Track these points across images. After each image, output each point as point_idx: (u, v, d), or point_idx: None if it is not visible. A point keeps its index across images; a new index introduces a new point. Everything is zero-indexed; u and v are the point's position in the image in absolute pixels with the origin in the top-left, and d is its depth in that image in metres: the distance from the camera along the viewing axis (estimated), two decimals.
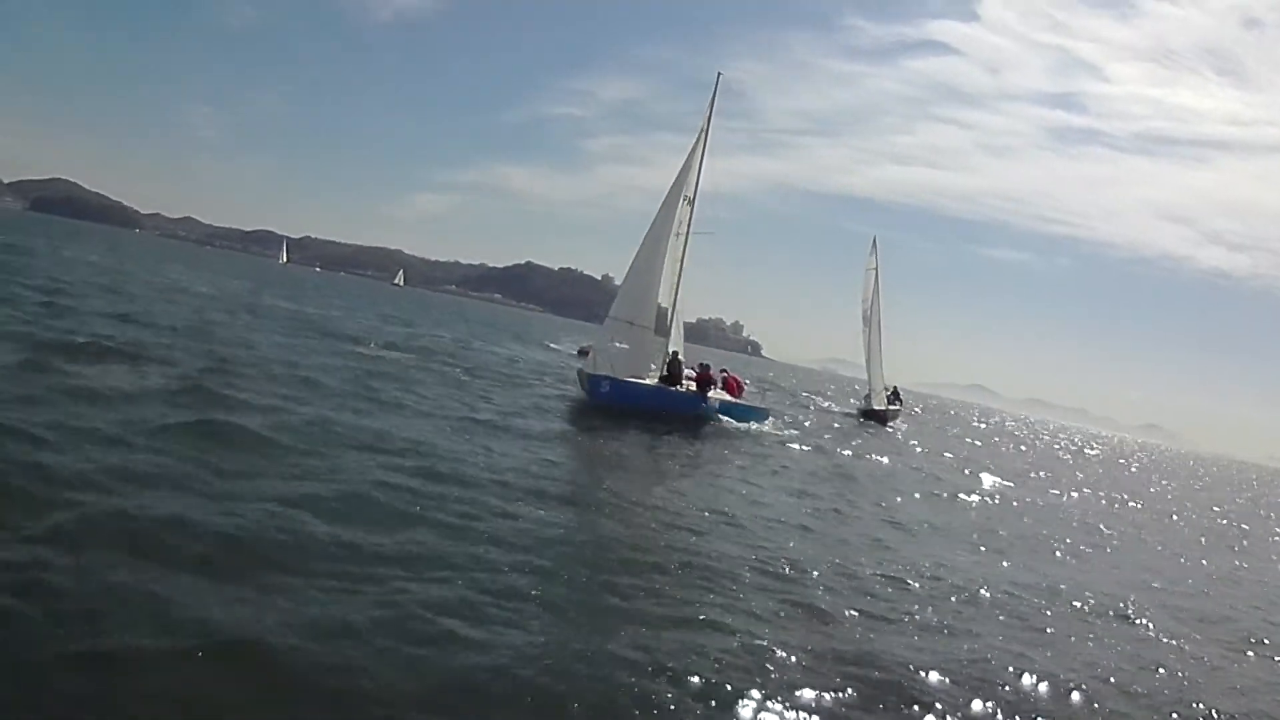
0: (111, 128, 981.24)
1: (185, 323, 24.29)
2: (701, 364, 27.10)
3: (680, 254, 26.40)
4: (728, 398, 26.46)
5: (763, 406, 28.32)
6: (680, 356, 25.87)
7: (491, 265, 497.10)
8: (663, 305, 25.93)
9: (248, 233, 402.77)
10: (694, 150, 26.58)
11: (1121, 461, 73.19)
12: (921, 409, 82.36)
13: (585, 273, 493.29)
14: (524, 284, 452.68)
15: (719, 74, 27.53)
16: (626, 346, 24.84)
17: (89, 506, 7.74)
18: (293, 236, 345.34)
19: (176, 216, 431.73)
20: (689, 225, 26.73)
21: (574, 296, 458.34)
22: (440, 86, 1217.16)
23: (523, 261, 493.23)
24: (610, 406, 23.16)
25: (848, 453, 26.50)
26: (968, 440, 51.40)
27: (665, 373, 25.13)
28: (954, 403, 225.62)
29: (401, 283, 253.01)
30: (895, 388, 48.84)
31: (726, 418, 25.24)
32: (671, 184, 26.32)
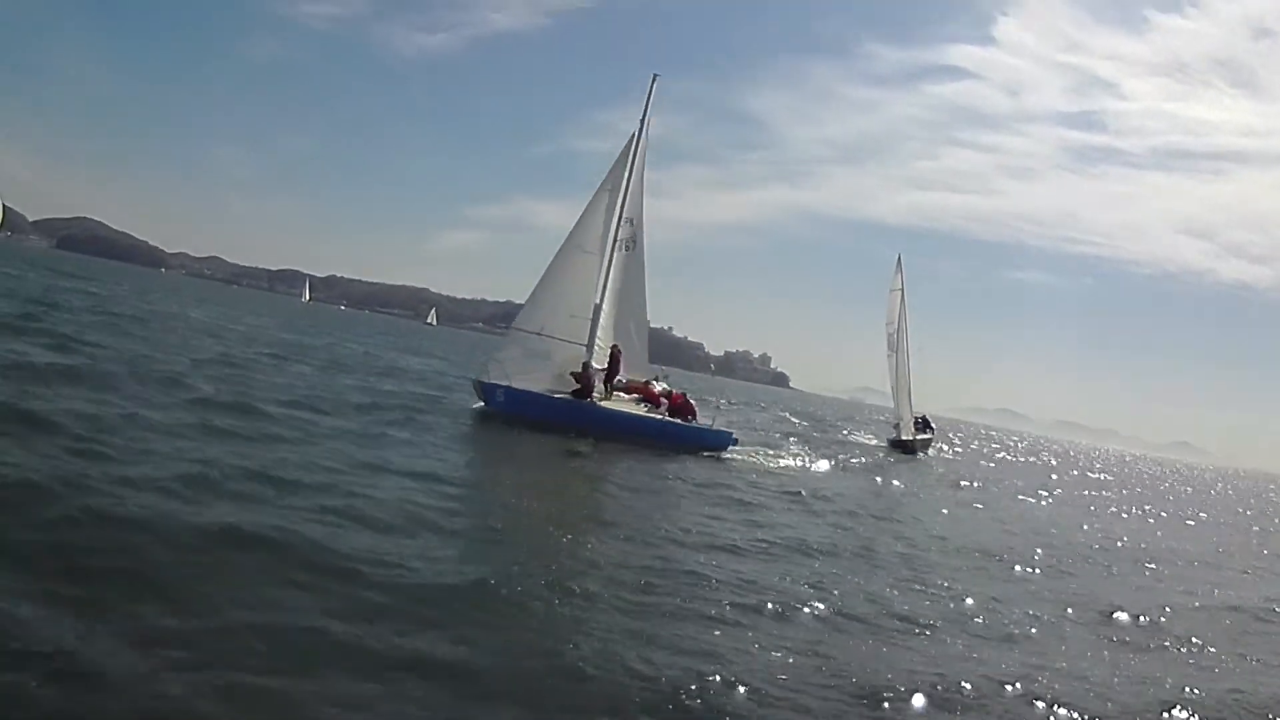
0: (137, 167, 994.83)
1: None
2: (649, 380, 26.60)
3: (605, 268, 25.80)
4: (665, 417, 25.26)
5: (724, 430, 26.21)
6: (592, 366, 24.79)
7: (518, 302, 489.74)
8: (579, 318, 25.15)
9: (274, 271, 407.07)
10: (623, 161, 26.03)
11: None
12: (958, 438, 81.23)
13: None
14: None
15: (654, 76, 26.76)
16: (523, 356, 24.64)
17: None
18: (318, 275, 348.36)
19: (202, 255, 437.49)
20: (615, 237, 26.06)
21: None
22: (466, 123, 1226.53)
23: None
24: (506, 416, 23.01)
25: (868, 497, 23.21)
26: (1015, 473, 48.07)
27: (577, 384, 24.19)
28: (984, 428, 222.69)
29: (434, 321, 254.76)
30: (925, 416, 47.24)
31: (661, 440, 23.95)
32: (593, 195, 25.87)
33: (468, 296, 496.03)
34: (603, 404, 24.50)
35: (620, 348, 26.01)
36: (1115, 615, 12.37)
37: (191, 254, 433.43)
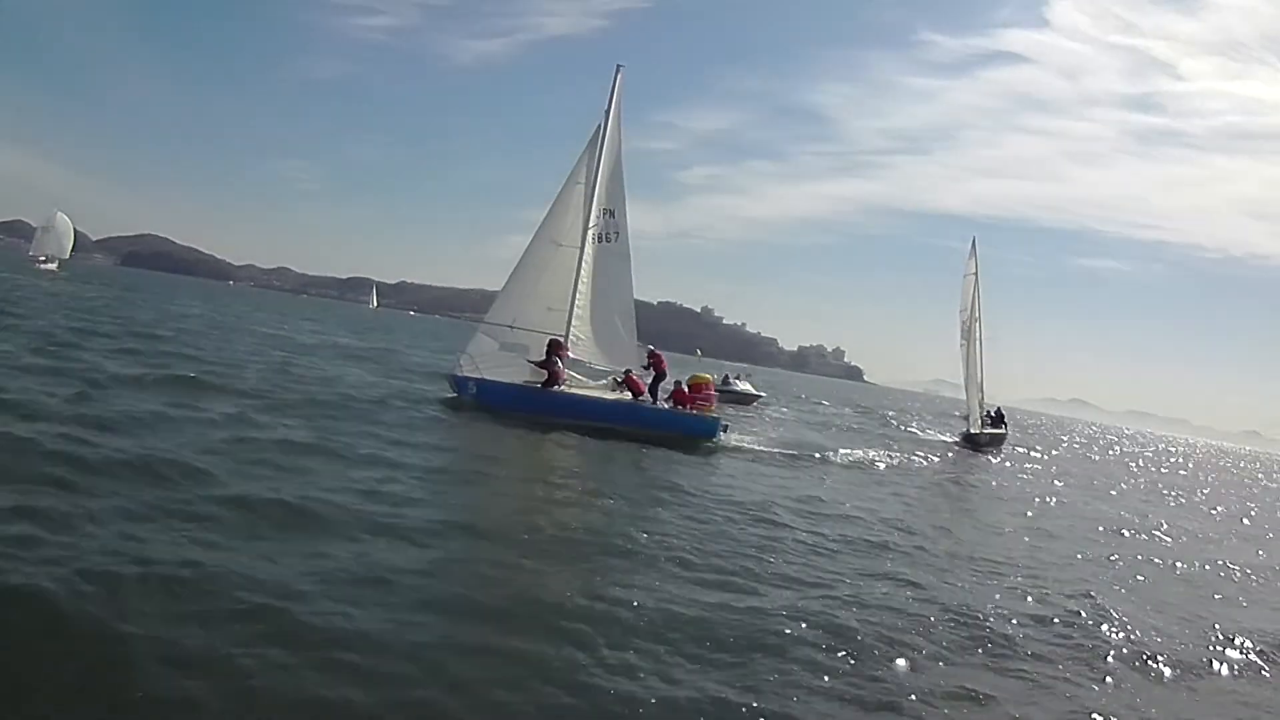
0: (201, 182, 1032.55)
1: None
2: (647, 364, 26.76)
3: (578, 260, 25.79)
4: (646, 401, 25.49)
5: (711, 416, 25.51)
6: (559, 357, 24.58)
7: None
8: (556, 310, 25.47)
9: (343, 280, 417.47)
10: (590, 150, 26.18)
11: None
12: (1036, 436, 77.69)
13: (685, 305, 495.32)
14: None
15: (619, 66, 26.83)
16: (500, 348, 25.06)
17: None
18: (388, 282, 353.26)
19: (270, 267, 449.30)
20: (588, 229, 26.06)
21: (674, 330, 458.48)
22: (526, 126, 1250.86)
23: None
24: (480, 407, 23.51)
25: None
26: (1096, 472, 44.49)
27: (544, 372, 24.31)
28: (1056, 419, 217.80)
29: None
30: (999, 409, 44.67)
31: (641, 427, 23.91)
32: (561, 188, 26.21)
33: None
34: (572, 391, 24.74)
35: (657, 352, 26.90)
36: None
37: (260, 265, 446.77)
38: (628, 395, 25.23)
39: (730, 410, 37.46)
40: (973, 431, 41.25)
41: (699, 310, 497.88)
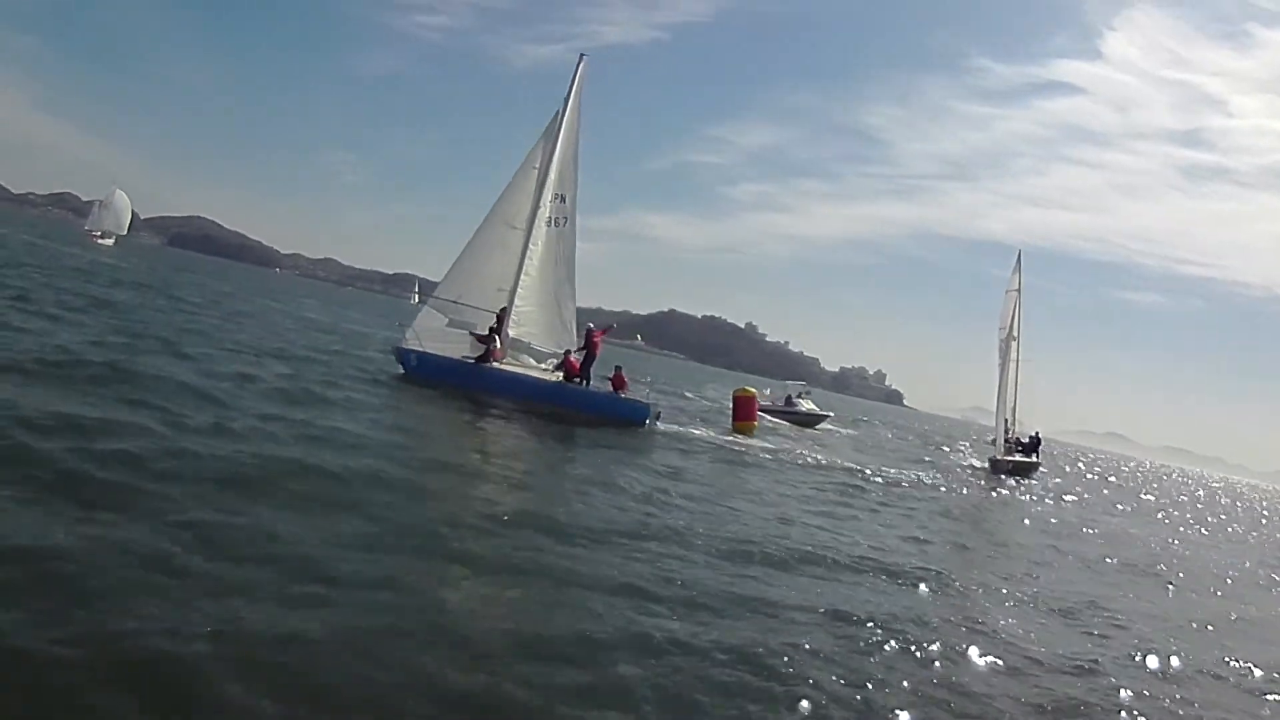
0: (251, 170, 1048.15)
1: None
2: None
3: (524, 244, 26.60)
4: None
5: (640, 401, 26.64)
6: (497, 333, 25.47)
7: (635, 312, 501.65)
8: (505, 290, 26.25)
9: (389, 275, 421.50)
10: (547, 138, 27.02)
11: None
12: (1073, 468, 76.54)
13: (728, 320, 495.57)
14: (667, 331, 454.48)
15: (581, 55, 27.73)
16: (448, 324, 25.82)
17: None
18: (434, 280, 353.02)
19: (317, 257, 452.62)
20: (548, 215, 27.09)
21: (717, 344, 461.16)
22: (581, 134, 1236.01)
23: (665, 309, 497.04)
24: (420, 380, 24.31)
25: None
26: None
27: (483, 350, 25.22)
28: (1092, 452, 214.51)
29: (642, 341, 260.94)
30: (1036, 435, 43.22)
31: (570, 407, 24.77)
32: (516, 172, 26.99)
33: (585, 306, 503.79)
34: (506, 368, 25.45)
35: (594, 330, 27.69)
36: None
37: (306, 255, 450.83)
38: (560, 376, 26.08)
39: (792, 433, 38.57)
40: (998, 457, 40.30)
41: (743, 326, 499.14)
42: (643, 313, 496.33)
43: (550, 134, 27.04)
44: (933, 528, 18.96)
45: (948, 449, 56.53)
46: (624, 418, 25.16)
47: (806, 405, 51.70)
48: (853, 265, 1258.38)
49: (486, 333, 25.27)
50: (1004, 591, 13.46)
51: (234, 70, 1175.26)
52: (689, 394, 59.33)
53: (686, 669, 7.37)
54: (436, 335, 25.66)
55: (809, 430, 45.92)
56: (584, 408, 24.93)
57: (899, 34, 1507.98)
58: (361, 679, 6.09)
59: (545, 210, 26.95)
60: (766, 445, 28.71)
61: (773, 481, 20.99)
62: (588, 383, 26.42)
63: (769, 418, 45.17)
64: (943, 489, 27.38)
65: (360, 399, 19.27)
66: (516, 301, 26.41)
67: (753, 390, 35.16)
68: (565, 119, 27.16)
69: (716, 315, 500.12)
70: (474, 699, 6.20)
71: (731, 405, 34.28)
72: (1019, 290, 42.87)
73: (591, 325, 27.39)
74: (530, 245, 26.65)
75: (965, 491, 28.20)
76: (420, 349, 25.26)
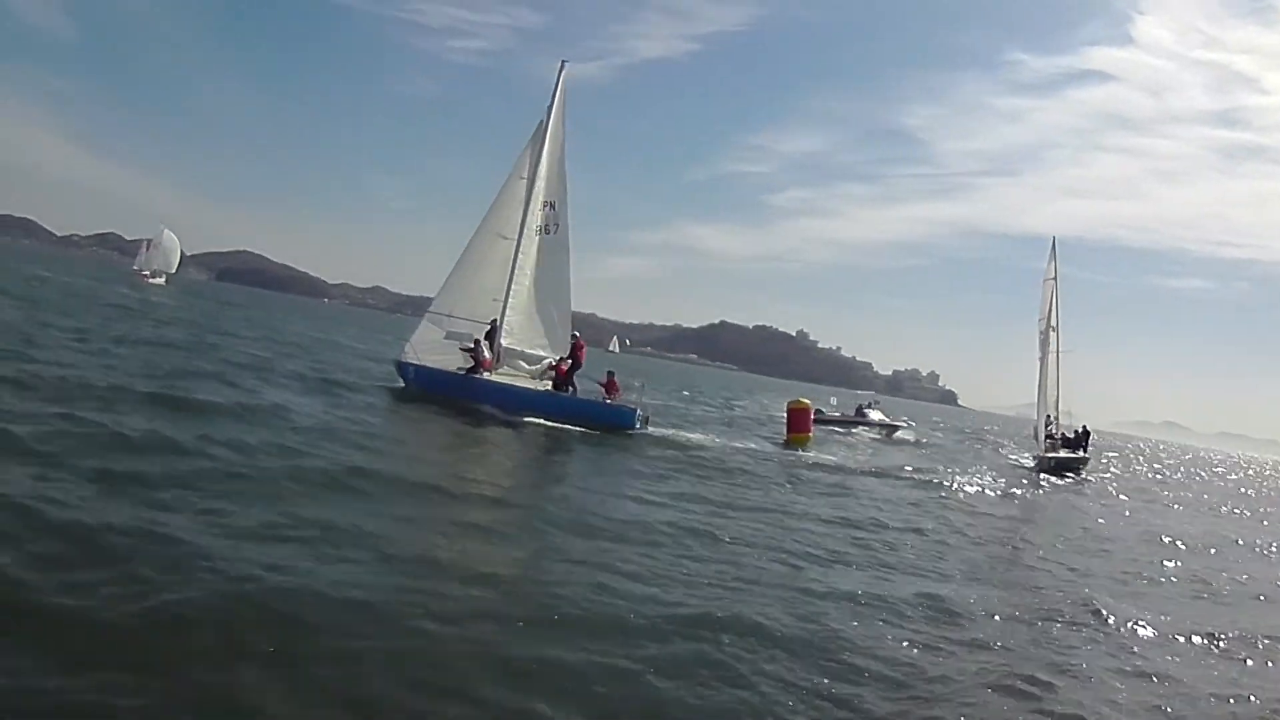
0: (296, 201, 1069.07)
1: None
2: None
3: (514, 253, 26.79)
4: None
5: (627, 406, 26.67)
6: (482, 341, 25.94)
7: (686, 325, 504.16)
8: (500, 300, 26.60)
9: None
10: (533, 147, 27.18)
11: None
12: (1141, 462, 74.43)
13: (779, 329, 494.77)
14: (718, 343, 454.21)
15: (562, 62, 27.88)
16: (445, 337, 26.30)
17: None
18: None
19: (366, 286, 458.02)
20: (539, 223, 27.21)
21: (769, 353, 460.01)
22: (622, 150, 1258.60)
23: (716, 320, 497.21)
24: (418, 391, 25.21)
25: None
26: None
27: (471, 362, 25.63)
28: (1149, 443, 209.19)
29: (617, 349, 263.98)
30: (1084, 429, 41.55)
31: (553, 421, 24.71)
32: (505, 182, 27.21)
33: (637, 321, 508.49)
34: (495, 378, 25.79)
35: (581, 339, 27.62)
36: None
37: (354, 284, 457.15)
38: (549, 384, 26.49)
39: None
40: (1043, 453, 38.83)
41: (794, 334, 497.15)
42: (694, 326, 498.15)
43: (536, 142, 27.29)
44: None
45: (1000, 448, 55.29)
46: (611, 423, 25.38)
47: (877, 415, 50.94)
48: (900, 267, 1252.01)
49: (474, 345, 25.71)
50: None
51: (273, 103, 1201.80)
52: (739, 404, 58.95)
53: None
54: (434, 348, 26.20)
55: (883, 440, 45.48)
56: (572, 415, 25.15)
57: (932, 33, 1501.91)
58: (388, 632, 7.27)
59: (536, 218, 27.17)
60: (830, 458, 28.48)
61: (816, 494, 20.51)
62: (575, 390, 26.62)
63: (840, 429, 45.46)
64: (990, 493, 26.36)
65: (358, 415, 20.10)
66: (510, 311, 26.73)
67: (806, 402, 34.96)
68: (550, 126, 27.36)
69: (767, 325, 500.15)
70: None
71: (786, 418, 34.09)
72: (1055, 279, 41.63)
73: (576, 334, 27.40)
74: (522, 253, 26.92)
75: (997, 494, 27.04)
76: (418, 362, 25.93)
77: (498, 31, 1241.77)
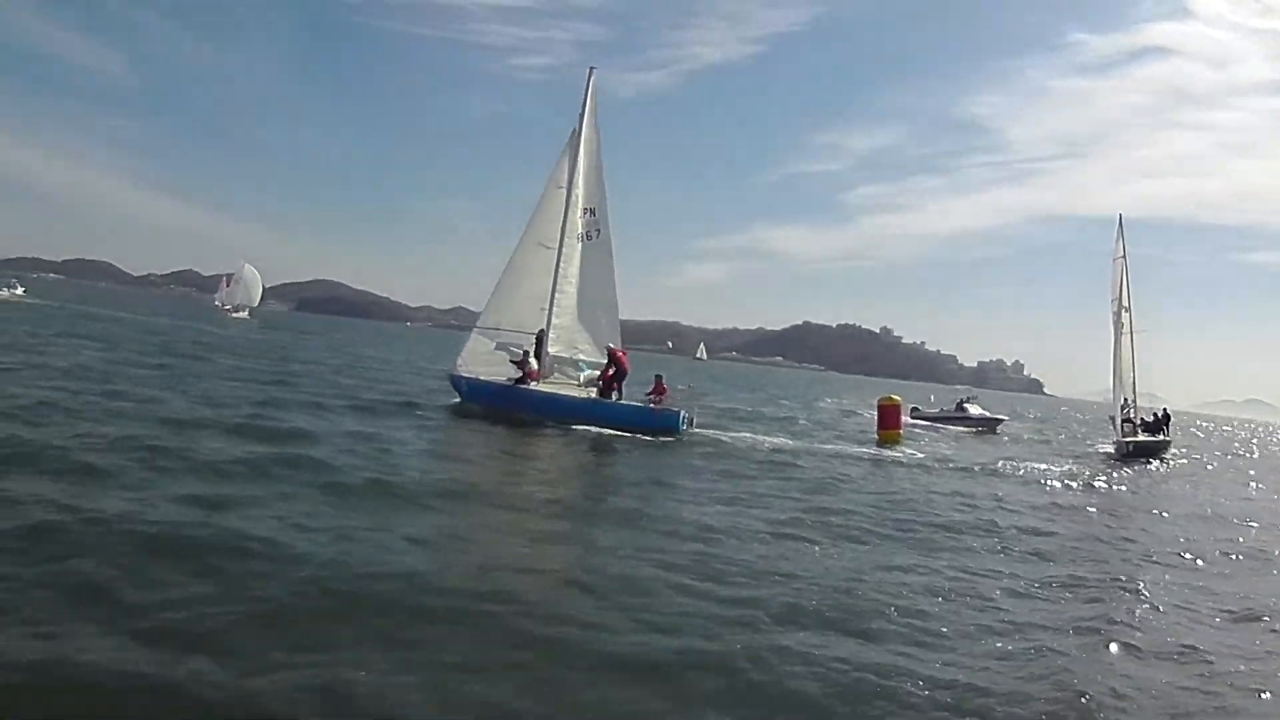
0: (372, 228, 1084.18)
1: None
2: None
3: (555, 262, 26.88)
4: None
5: (670, 410, 26.27)
6: (530, 352, 26.23)
7: (769, 328, 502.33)
8: (546, 308, 26.78)
9: None
10: (568, 155, 27.28)
11: None
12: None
13: (862, 326, 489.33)
14: (803, 344, 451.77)
15: (590, 69, 27.99)
16: (495, 348, 26.56)
17: None
18: None
19: (447, 307, 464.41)
20: (581, 230, 27.32)
21: (853, 352, 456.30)
22: (693, 157, 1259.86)
23: (799, 322, 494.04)
24: (474, 404, 25.71)
25: None
26: None
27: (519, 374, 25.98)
28: (1234, 422, 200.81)
29: (704, 355, 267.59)
30: (1164, 411, 40.23)
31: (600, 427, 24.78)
32: (543, 192, 27.42)
33: (719, 327, 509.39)
34: (543, 388, 26.07)
35: (618, 349, 27.10)
36: None
37: (436, 306, 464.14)
38: (593, 392, 26.48)
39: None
40: (1122, 438, 36.99)
41: (878, 331, 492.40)
42: (777, 328, 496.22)
43: (571, 150, 27.37)
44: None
45: (1082, 436, 53.54)
46: (657, 427, 25.19)
47: (976, 409, 49.77)
48: (978, 257, 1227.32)
49: (522, 356, 25.99)
50: None
51: (340, 133, 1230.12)
52: (821, 404, 58.19)
53: None
54: (486, 360, 26.62)
55: (975, 434, 44.64)
56: (618, 421, 25.13)
57: (992, 19, 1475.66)
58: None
59: (577, 226, 27.29)
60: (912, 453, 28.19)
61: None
62: (620, 396, 26.64)
63: (944, 426, 45.07)
64: (1069, 483, 25.06)
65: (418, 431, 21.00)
66: (556, 319, 26.91)
67: (897, 398, 34.59)
68: (583, 133, 27.47)
69: (850, 323, 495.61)
70: None
71: (877, 414, 34.03)
72: (1125, 257, 39.86)
73: (610, 345, 26.97)
74: (564, 261, 27.02)
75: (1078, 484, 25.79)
76: (470, 375, 26.43)
77: (560, 47, 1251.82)
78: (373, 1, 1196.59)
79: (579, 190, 27.18)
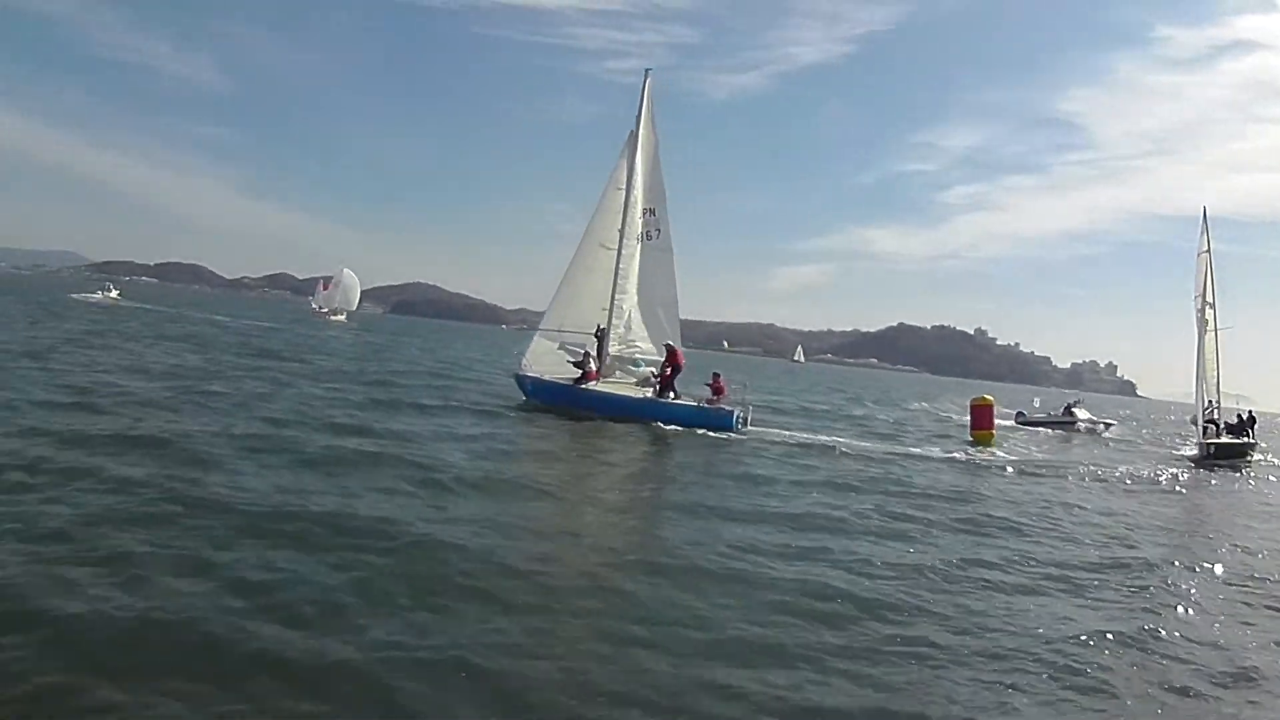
0: (467, 231, 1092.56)
1: None
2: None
3: (615, 262, 27.25)
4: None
5: (725, 409, 26.13)
6: (590, 352, 26.83)
7: (864, 330, 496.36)
8: (607, 308, 27.25)
9: None
10: (626, 158, 27.57)
11: None
12: None
13: (958, 328, 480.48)
14: (897, 346, 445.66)
15: (646, 70, 28.27)
16: (558, 348, 27.19)
17: None
18: None
19: (542, 309, 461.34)
20: (640, 230, 27.61)
21: (949, 354, 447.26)
22: (787, 158, 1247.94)
23: (895, 323, 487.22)
24: (537, 402, 26.37)
25: None
26: None
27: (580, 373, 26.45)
28: None
29: (802, 358, 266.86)
30: (1249, 414, 37.79)
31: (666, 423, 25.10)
32: (603, 194, 27.73)
33: (815, 329, 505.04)
34: (601, 387, 26.50)
35: (674, 346, 27.21)
36: None
37: (531, 309, 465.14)
38: (650, 392, 26.77)
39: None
40: (1203, 440, 35.04)
41: (972, 332, 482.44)
42: (872, 330, 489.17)
43: (629, 152, 27.67)
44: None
45: (1167, 439, 51.85)
46: (711, 426, 25.34)
47: (1084, 414, 48.96)
48: (1071, 257, 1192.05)
49: (582, 357, 26.57)
50: None
51: (434, 137, 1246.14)
52: (911, 407, 57.33)
53: None
54: (549, 360, 27.20)
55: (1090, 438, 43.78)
56: (674, 419, 25.42)
57: (1081, 14, 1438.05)
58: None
59: (637, 226, 27.64)
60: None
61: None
62: (676, 394, 26.81)
63: (1052, 430, 44.40)
64: (1143, 488, 23.77)
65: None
66: (616, 318, 27.32)
67: (990, 398, 34.31)
68: (641, 135, 27.71)
69: (946, 324, 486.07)
70: None
71: (970, 415, 34.15)
72: (1209, 251, 37.50)
73: (669, 344, 27.12)
74: (624, 261, 27.39)
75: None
76: (535, 375, 27.04)
77: (653, 49, 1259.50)
78: (465, 6, 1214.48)
79: (637, 191, 27.44)
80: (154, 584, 7.43)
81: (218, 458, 12.84)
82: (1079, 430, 45.81)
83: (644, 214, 27.63)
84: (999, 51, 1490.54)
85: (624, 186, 27.44)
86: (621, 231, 27.29)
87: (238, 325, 65.82)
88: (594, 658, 7.00)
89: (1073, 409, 48.54)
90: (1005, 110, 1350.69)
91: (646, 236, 27.66)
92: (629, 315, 27.53)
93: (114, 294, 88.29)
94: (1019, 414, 48.50)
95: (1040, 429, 44.63)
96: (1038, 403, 52.52)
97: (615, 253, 27.31)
